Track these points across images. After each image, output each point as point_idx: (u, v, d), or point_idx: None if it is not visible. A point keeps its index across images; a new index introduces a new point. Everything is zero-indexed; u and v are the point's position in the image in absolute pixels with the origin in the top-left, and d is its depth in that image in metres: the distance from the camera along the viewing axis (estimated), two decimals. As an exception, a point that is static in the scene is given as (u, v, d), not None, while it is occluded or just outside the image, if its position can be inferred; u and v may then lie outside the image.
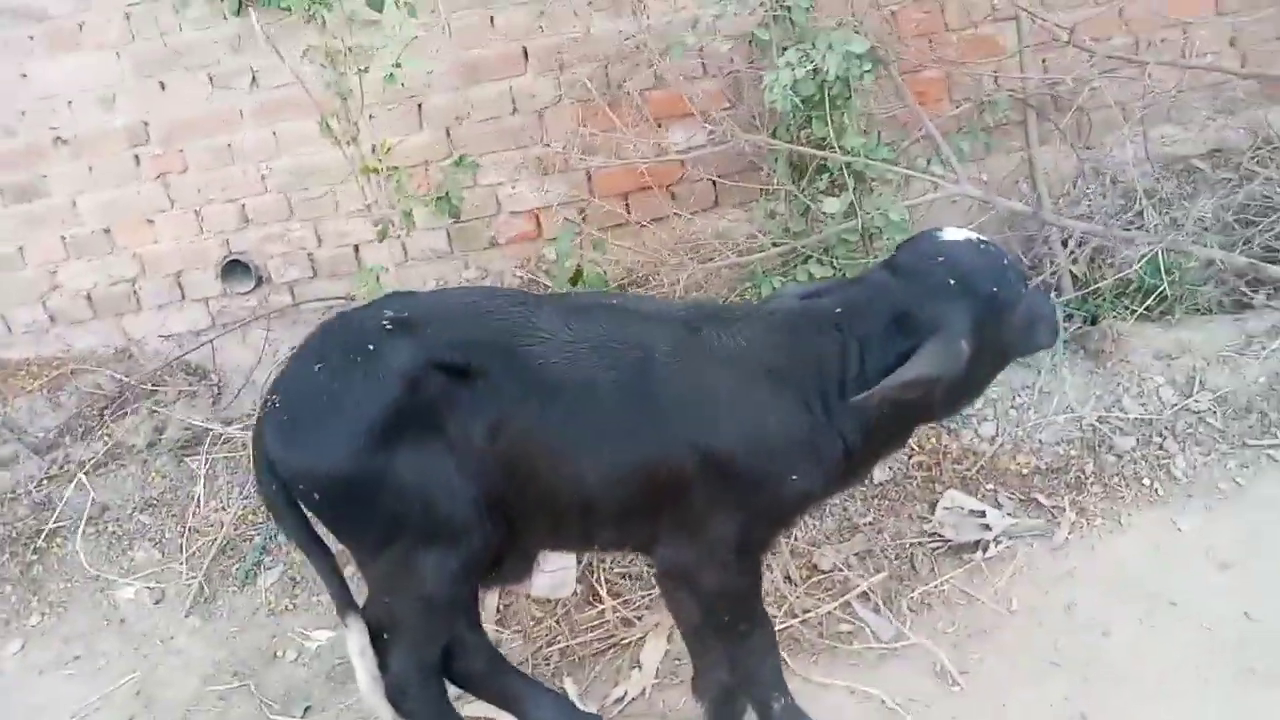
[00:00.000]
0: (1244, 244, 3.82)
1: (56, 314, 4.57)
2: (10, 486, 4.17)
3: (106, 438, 4.27)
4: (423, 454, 2.30)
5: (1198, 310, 3.76)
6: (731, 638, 2.52)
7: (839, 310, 2.37)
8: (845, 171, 3.49)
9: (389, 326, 2.35)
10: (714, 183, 4.31)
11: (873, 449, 2.46)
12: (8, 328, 4.59)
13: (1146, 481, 3.36)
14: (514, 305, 2.44)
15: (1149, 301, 3.75)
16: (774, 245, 3.67)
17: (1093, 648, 2.93)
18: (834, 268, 3.66)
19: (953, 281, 2.28)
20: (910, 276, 2.33)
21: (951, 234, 2.41)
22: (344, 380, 2.30)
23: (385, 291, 3.74)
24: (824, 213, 3.50)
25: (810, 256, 3.65)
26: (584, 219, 4.24)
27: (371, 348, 2.32)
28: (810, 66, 3.35)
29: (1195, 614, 2.96)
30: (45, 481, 4.16)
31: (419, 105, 4.24)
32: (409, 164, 4.09)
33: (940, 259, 2.32)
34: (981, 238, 2.43)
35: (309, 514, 2.44)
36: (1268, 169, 4.03)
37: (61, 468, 4.18)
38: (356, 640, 2.47)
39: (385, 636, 2.51)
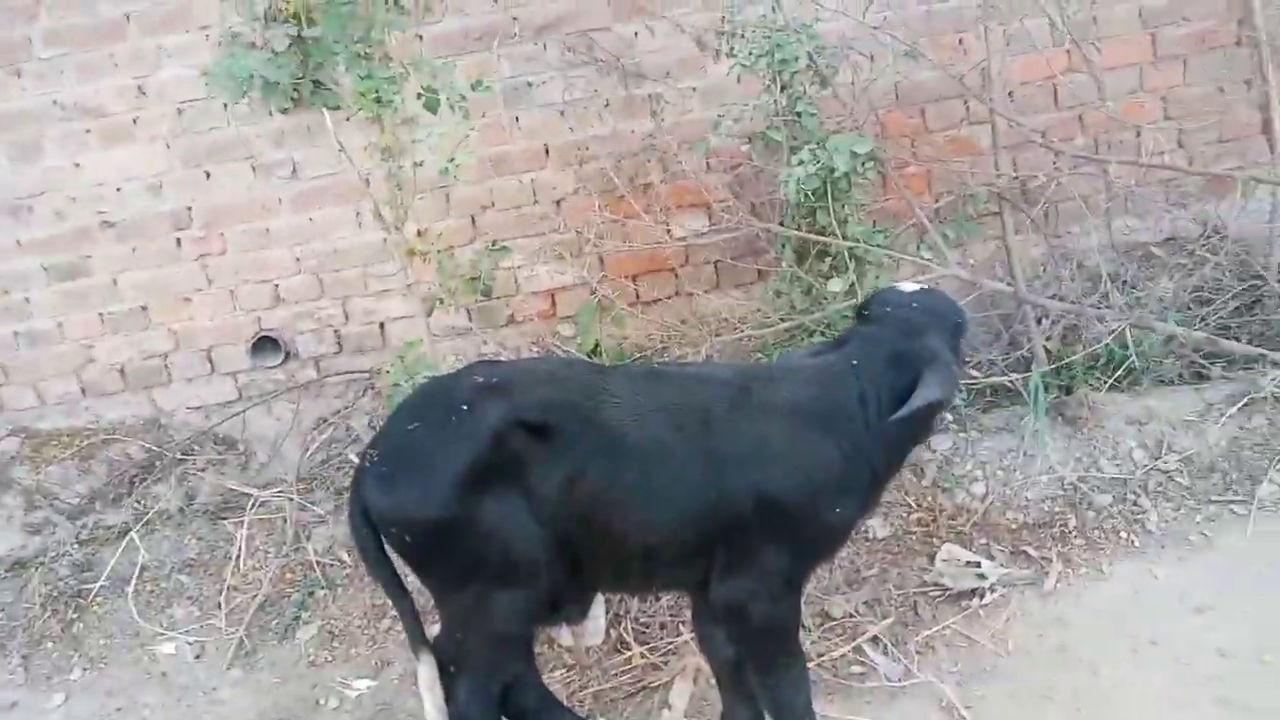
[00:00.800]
0: (1200, 321, 4.25)
1: (89, 386, 4.76)
2: (42, 549, 4.34)
3: (138, 504, 4.45)
4: (505, 502, 2.58)
5: (1161, 381, 4.17)
6: (772, 670, 2.80)
7: (853, 362, 2.76)
8: (847, 255, 3.88)
9: (481, 389, 2.65)
10: (715, 265, 4.71)
11: (890, 472, 2.87)
12: (41, 399, 4.77)
13: (1124, 534, 3.71)
14: (587, 373, 2.79)
15: (1117, 373, 4.15)
16: (782, 321, 4.04)
17: (1083, 684, 3.23)
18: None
19: (928, 320, 2.76)
20: (893, 324, 2.77)
21: (908, 286, 2.92)
22: (441, 436, 2.60)
23: (419, 362, 4.08)
24: (827, 292, 3.87)
25: (814, 331, 4.01)
26: (597, 299, 4.59)
27: (465, 408, 2.61)
28: (819, 164, 3.76)
29: (1174, 652, 3.28)
30: (76, 545, 4.33)
31: (447, 195, 4.60)
32: (438, 248, 4.43)
33: (913, 305, 2.80)
34: (926, 286, 2.93)
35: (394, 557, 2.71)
36: (1217, 255, 4.48)
37: (93, 533, 4.36)
38: (427, 674, 2.72)
39: (453, 670, 2.76)
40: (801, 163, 3.70)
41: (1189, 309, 4.35)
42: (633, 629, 3.61)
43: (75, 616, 4.11)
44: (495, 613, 2.66)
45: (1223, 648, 3.25)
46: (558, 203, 4.62)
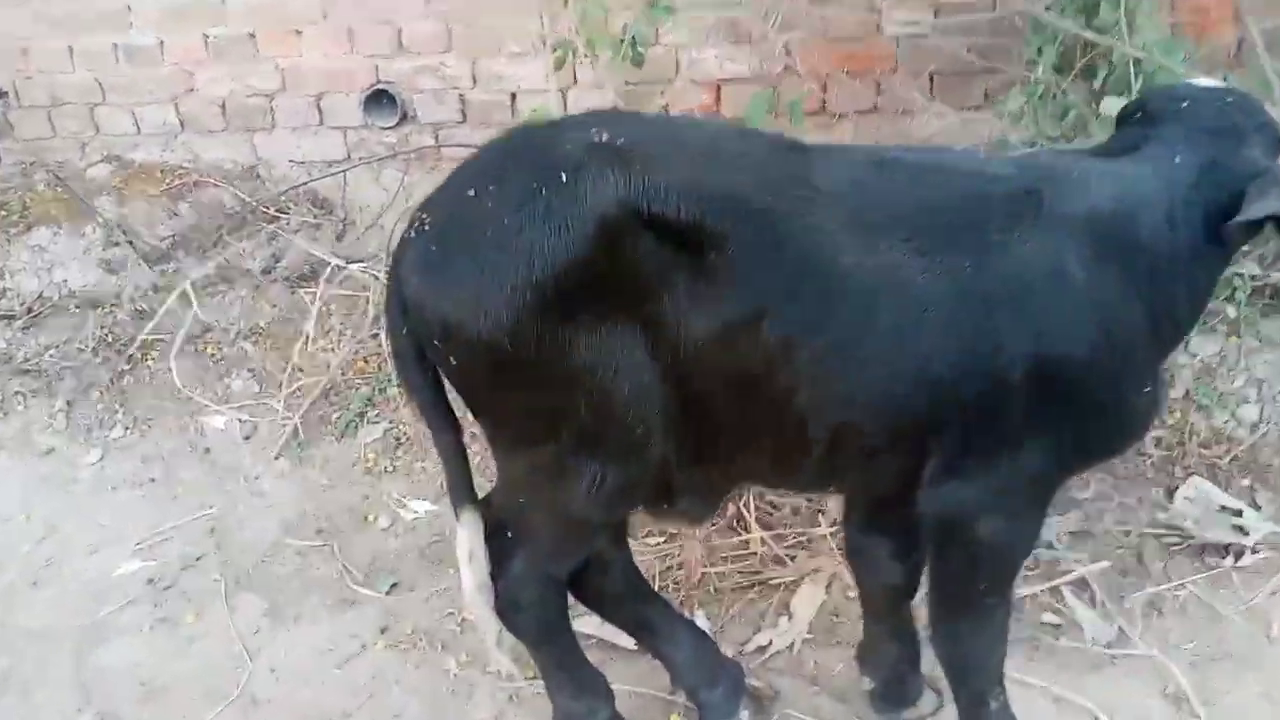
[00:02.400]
0: None
1: (187, 120, 4.08)
2: (114, 291, 3.72)
3: (221, 256, 3.75)
4: (610, 336, 1.58)
5: None
6: (971, 612, 1.84)
7: (1175, 160, 1.76)
8: (1132, 69, 2.66)
9: (598, 152, 1.59)
10: (932, 78, 3.54)
11: (1188, 331, 1.94)
12: (136, 126, 4.11)
13: None
14: (778, 151, 1.68)
15: None
16: (1022, 147, 2.87)
17: (1375, 704, 2.17)
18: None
19: (1247, 121, 1.82)
20: (1201, 123, 1.81)
21: (1208, 82, 1.96)
22: (523, 213, 1.56)
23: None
24: (1099, 115, 2.67)
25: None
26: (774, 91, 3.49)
27: (565, 177, 1.57)
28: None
29: None
30: (152, 292, 3.69)
31: (613, -59, 3.52)
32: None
33: (1226, 99, 1.85)
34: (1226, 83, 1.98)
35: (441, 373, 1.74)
36: None
37: (170, 281, 3.69)
38: (466, 541, 1.80)
39: (509, 535, 1.85)
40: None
41: None
42: (755, 507, 2.67)
43: (127, 369, 3.47)
44: (572, 489, 1.70)
45: None
46: (746, -32, 3.48)
